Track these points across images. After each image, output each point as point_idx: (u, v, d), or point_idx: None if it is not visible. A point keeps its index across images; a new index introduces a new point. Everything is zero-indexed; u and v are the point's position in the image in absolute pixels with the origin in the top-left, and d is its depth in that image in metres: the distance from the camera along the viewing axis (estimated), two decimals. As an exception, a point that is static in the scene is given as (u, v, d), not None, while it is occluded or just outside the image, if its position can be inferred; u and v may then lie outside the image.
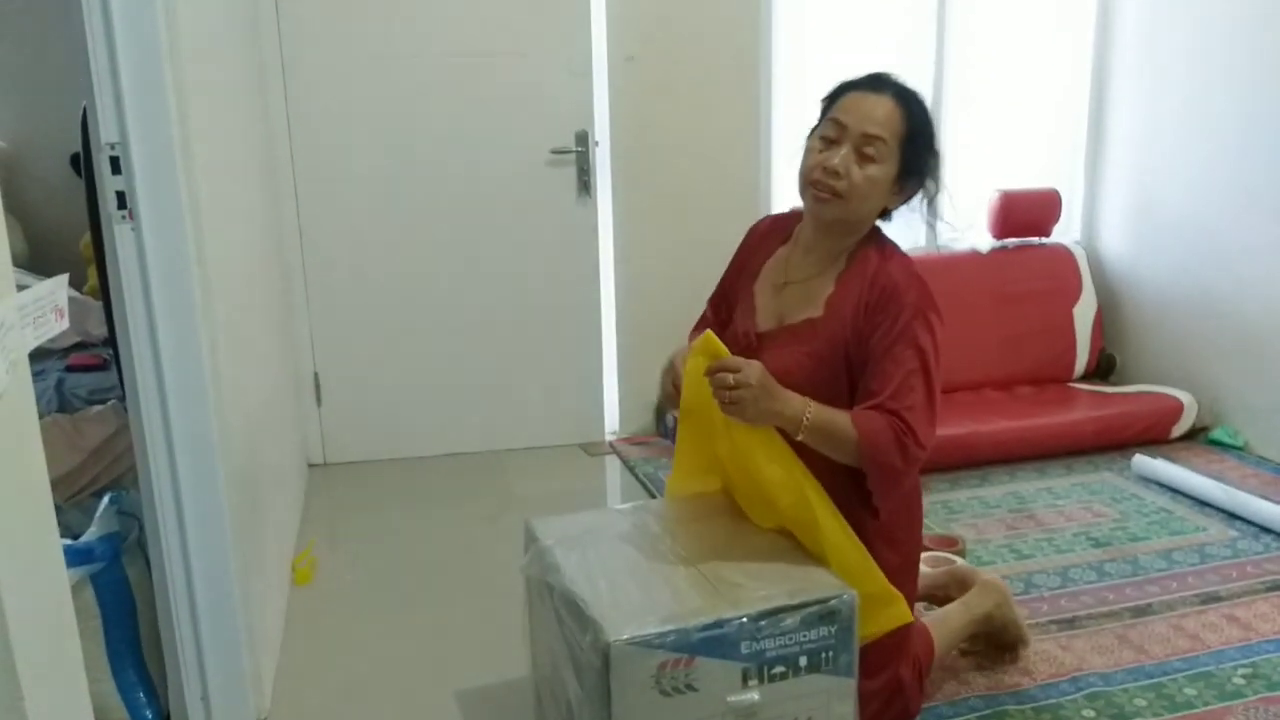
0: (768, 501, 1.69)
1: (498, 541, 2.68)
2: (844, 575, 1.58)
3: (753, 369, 1.57)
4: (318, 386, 3.38)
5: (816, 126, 1.75)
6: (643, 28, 3.43)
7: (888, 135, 1.65)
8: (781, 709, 1.51)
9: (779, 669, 1.50)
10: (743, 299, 1.89)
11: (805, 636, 1.50)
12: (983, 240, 3.83)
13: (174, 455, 1.79)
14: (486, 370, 3.48)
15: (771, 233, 1.92)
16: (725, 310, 1.97)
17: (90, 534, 1.88)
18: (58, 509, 2.18)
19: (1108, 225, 3.90)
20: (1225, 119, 3.34)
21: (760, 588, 1.53)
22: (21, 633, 0.86)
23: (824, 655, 1.52)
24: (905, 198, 1.73)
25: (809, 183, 1.71)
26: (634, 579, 1.57)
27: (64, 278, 0.99)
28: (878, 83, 1.70)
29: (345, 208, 3.30)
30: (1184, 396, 3.37)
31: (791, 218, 1.89)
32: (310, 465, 3.39)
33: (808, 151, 1.74)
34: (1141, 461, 3.08)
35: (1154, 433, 3.31)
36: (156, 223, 1.71)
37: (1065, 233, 3.96)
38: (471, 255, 3.40)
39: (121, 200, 1.70)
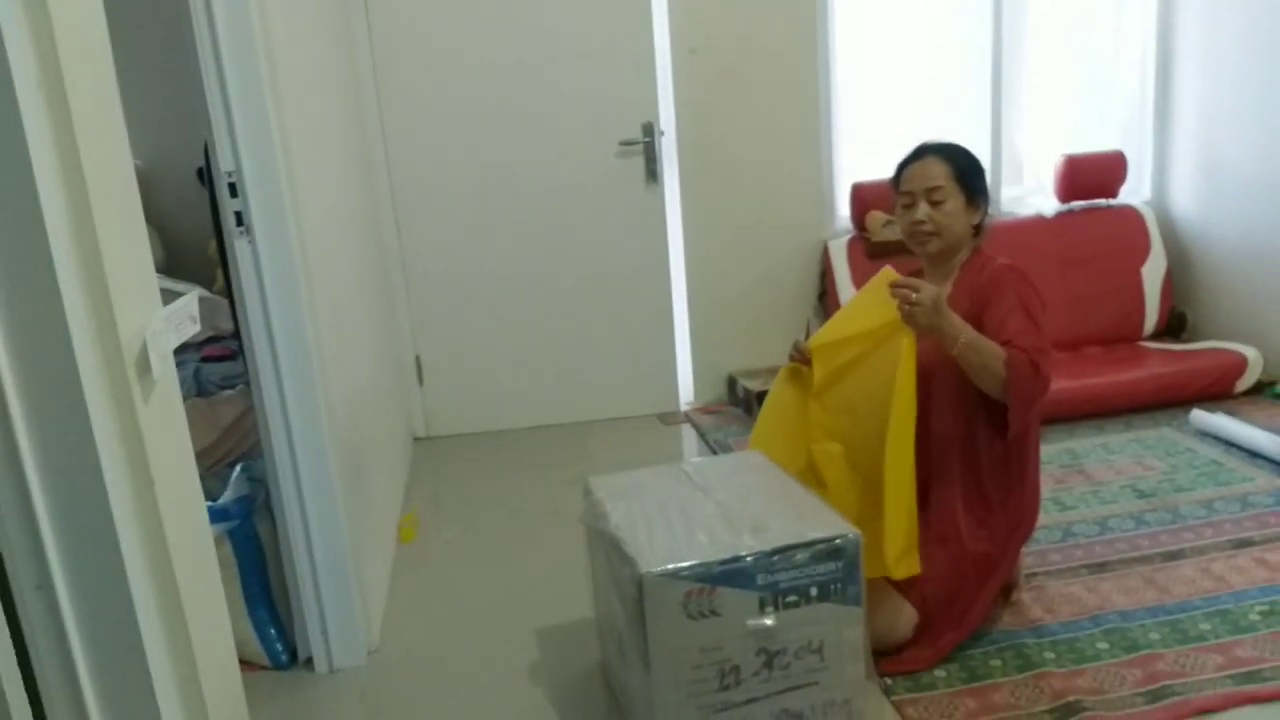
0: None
1: (575, 501, 2.98)
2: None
3: (929, 288, 1.96)
4: (419, 368, 3.76)
5: (896, 202, 2.24)
6: (703, 21, 3.64)
7: (944, 181, 2.12)
8: (796, 633, 1.75)
9: (792, 598, 1.73)
10: None
11: (815, 570, 1.73)
12: (1048, 204, 3.91)
13: (290, 429, 2.14)
14: (570, 348, 3.79)
15: None
16: None
17: (226, 497, 2.26)
18: (198, 478, 2.59)
19: (1177, 185, 3.91)
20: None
21: (776, 529, 1.77)
22: (181, 561, 1.18)
23: (833, 587, 1.75)
24: (981, 212, 2.19)
25: (909, 236, 2.20)
26: (668, 523, 1.83)
27: (195, 294, 1.30)
28: (921, 152, 2.19)
29: (437, 205, 3.64)
30: (1249, 351, 3.40)
31: (909, 266, 2.31)
32: (415, 439, 3.77)
33: (899, 219, 2.23)
34: (1199, 416, 3.15)
35: (1217, 388, 3.36)
36: (268, 236, 2.04)
37: (1135, 193, 4.00)
38: (552, 243, 3.71)
39: (239, 218, 2.05)
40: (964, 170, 2.14)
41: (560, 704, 2.06)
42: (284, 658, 2.27)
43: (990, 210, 2.24)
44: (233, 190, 2.04)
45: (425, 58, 3.53)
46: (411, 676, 2.22)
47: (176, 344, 1.20)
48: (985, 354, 1.97)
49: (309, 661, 2.26)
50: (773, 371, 3.81)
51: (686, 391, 3.90)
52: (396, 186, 3.62)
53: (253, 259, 2.05)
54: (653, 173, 3.66)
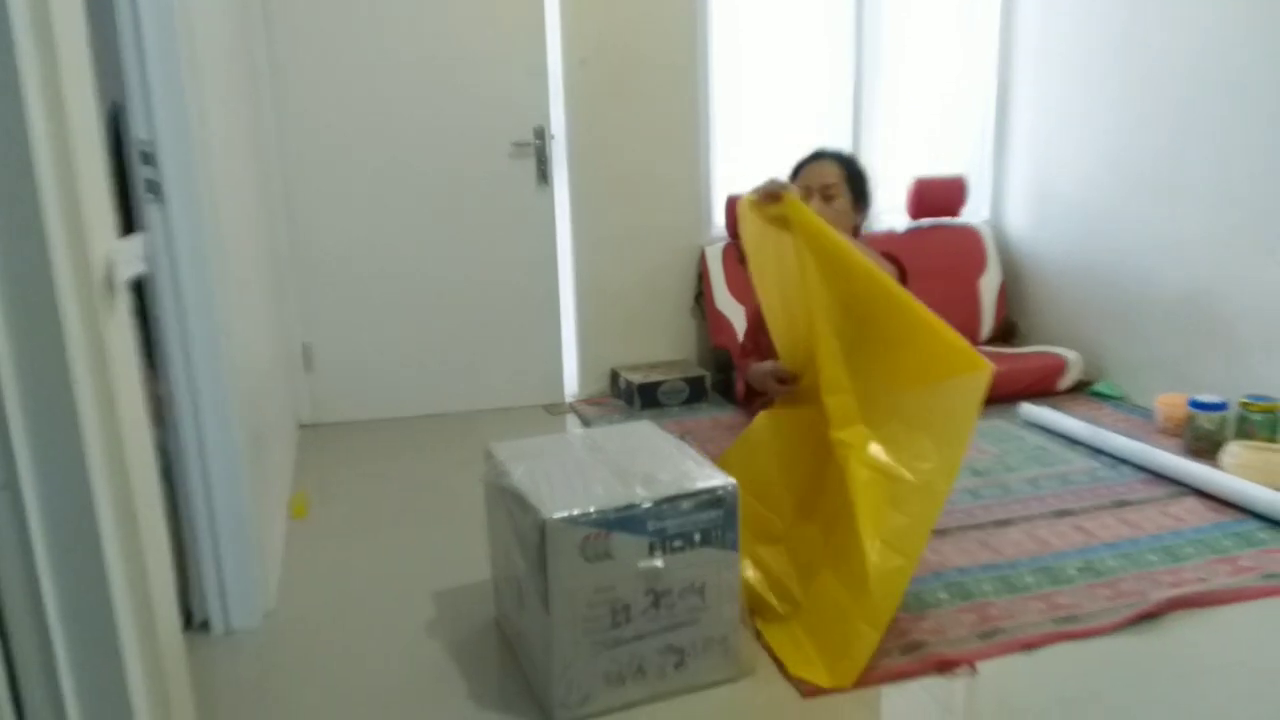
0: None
1: (468, 482, 3.10)
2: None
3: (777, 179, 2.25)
4: (307, 355, 3.79)
5: None
6: (593, 34, 3.86)
7: (837, 181, 2.43)
8: (681, 574, 1.94)
9: (678, 542, 1.92)
10: None
11: (698, 518, 1.93)
12: (899, 220, 4.29)
13: (196, 394, 2.19)
14: (459, 339, 3.91)
15: None
16: (764, 338, 2.58)
17: (125, 462, 2.28)
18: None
19: (1011, 206, 4.37)
20: (1107, 115, 3.81)
21: (664, 481, 1.96)
22: (135, 477, 1.28)
23: (714, 533, 1.95)
24: (863, 213, 2.52)
25: None
26: (566, 478, 2.00)
27: (141, 236, 1.39)
28: (819, 155, 2.49)
29: (330, 194, 3.71)
30: (1070, 354, 3.85)
31: None
32: (301, 425, 3.80)
33: None
34: (1026, 409, 3.55)
35: (1042, 386, 3.79)
36: (181, 205, 2.10)
37: (975, 213, 4.43)
38: (444, 237, 3.82)
39: (152, 186, 2.10)
40: (854, 174, 2.43)
41: (457, 655, 2.18)
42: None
43: (865, 220, 2.54)
44: (146, 159, 2.09)
45: (322, 45, 3.61)
46: (308, 637, 2.29)
47: (129, 275, 1.29)
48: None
49: (205, 624, 2.31)
50: (654, 366, 4.07)
51: (571, 383, 4.08)
52: (289, 173, 3.67)
53: (163, 224, 2.11)
54: (543, 174, 3.84)
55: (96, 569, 1.20)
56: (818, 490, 2.27)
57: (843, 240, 2.12)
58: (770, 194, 2.20)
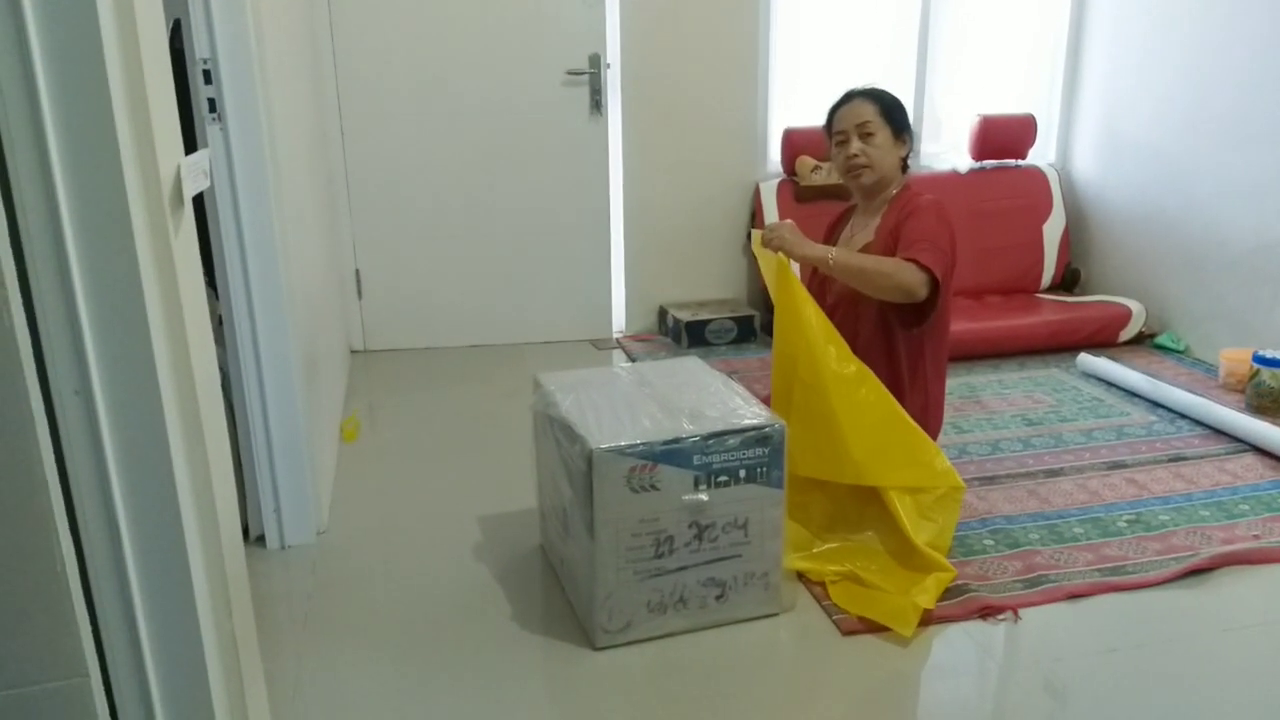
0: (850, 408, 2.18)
1: (515, 411, 3.13)
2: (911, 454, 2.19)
3: (782, 224, 2.31)
4: (359, 282, 3.83)
5: (830, 143, 2.47)
6: (652, -41, 3.76)
7: (872, 117, 2.36)
8: (725, 509, 1.95)
9: (723, 478, 1.93)
10: None
11: (744, 454, 1.93)
12: (962, 161, 4.17)
13: (253, 314, 2.23)
14: (509, 271, 3.91)
15: (840, 218, 2.65)
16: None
17: (185, 379, 2.33)
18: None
19: (1079, 150, 4.22)
20: (1183, 55, 3.64)
21: (711, 416, 1.96)
22: (200, 385, 1.30)
23: (759, 470, 1.95)
24: (907, 146, 2.43)
25: (845, 171, 2.43)
26: (614, 410, 2.01)
27: (206, 151, 1.40)
28: (849, 96, 2.42)
29: (384, 121, 3.70)
30: (1134, 305, 3.74)
31: (849, 208, 2.61)
32: (352, 351, 3.86)
33: (834, 158, 2.46)
34: (1085, 359, 3.47)
35: (1103, 336, 3.69)
36: (239, 124, 2.12)
37: (1042, 156, 4.29)
38: (495, 167, 3.80)
39: (211, 105, 2.11)
40: (889, 108, 2.37)
41: (502, 578, 2.23)
42: (235, 535, 2.38)
43: (913, 150, 2.47)
44: (207, 77, 2.10)
45: (378, -26, 3.57)
46: (358, 555, 2.35)
47: (195, 191, 1.31)
48: (855, 264, 2.24)
49: (260, 539, 2.38)
50: (703, 304, 4.04)
51: (619, 319, 4.07)
52: (344, 99, 3.66)
53: (224, 145, 2.13)
54: (597, 104, 3.79)
55: (164, 472, 1.23)
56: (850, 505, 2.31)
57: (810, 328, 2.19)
58: (769, 242, 2.30)
